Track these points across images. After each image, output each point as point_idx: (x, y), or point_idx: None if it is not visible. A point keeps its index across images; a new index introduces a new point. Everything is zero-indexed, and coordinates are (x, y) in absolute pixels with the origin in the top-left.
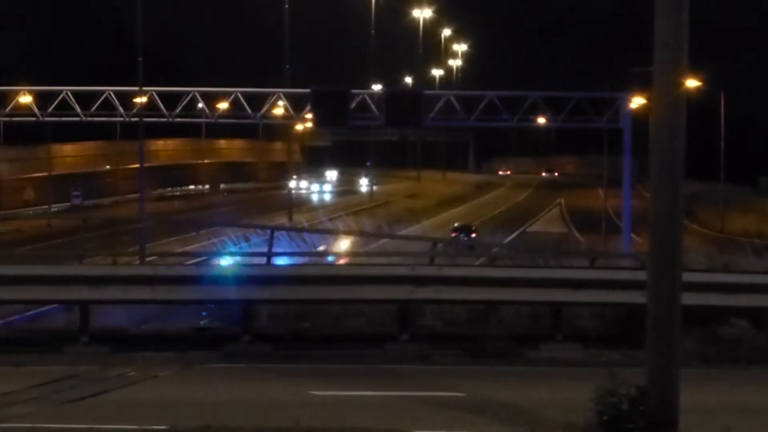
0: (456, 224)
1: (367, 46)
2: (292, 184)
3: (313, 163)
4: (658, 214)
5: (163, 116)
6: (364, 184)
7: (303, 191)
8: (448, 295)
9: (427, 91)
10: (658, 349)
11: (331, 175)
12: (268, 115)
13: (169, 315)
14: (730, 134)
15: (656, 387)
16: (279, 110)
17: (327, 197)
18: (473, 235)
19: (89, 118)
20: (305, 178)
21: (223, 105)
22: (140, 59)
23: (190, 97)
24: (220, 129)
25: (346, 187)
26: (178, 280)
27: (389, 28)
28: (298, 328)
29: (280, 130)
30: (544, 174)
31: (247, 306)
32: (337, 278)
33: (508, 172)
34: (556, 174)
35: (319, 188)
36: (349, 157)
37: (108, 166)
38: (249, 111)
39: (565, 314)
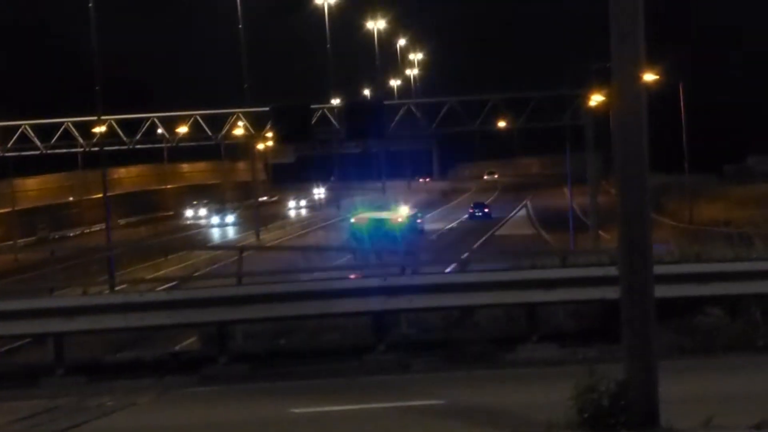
0: (473, 202)
1: (324, 61)
2: (188, 213)
3: (277, 180)
4: (625, 208)
5: (124, 143)
6: (318, 193)
7: (202, 221)
8: (421, 303)
9: (386, 102)
10: (634, 342)
11: (319, 191)
12: (229, 136)
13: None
14: (692, 124)
15: (635, 381)
16: (239, 130)
17: (230, 231)
18: (486, 210)
19: (50, 150)
20: (207, 206)
21: (183, 129)
22: (98, 88)
23: (149, 122)
24: (182, 152)
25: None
26: (150, 307)
27: (345, 42)
28: (274, 346)
29: (242, 149)
30: (485, 177)
31: (221, 327)
32: (309, 294)
33: (496, 176)
34: (496, 176)
35: (220, 220)
36: (314, 172)
37: (71, 198)
38: (209, 133)
39: (540, 314)
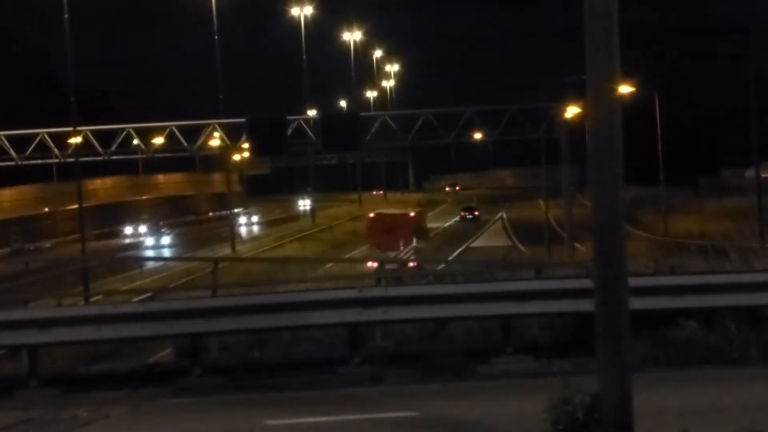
0: (464, 206)
1: (299, 73)
2: (128, 230)
3: (252, 191)
4: (600, 220)
5: (99, 154)
6: (303, 204)
7: (140, 240)
8: (396, 315)
9: (362, 113)
10: (608, 355)
11: (305, 203)
12: (204, 147)
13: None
14: (666, 136)
15: (610, 393)
16: (215, 141)
17: (166, 253)
18: (476, 213)
19: (25, 162)
20: (147, 223)
21: (158, 140)
22: (72, 99)
23: (124, 133)
24: (158, 163)
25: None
26: (125, 318)
27: (321, 54)
28: (249, 358)
29: (218, 160)
30: (447, 189)
31: (196, 339)
32: (283, 305)
33: (457, 188)
34: (458, 188)
35: (155, 241)
36: (290, 184)
37: (47, 209)
38: (185, 144)
39: (515, 327)
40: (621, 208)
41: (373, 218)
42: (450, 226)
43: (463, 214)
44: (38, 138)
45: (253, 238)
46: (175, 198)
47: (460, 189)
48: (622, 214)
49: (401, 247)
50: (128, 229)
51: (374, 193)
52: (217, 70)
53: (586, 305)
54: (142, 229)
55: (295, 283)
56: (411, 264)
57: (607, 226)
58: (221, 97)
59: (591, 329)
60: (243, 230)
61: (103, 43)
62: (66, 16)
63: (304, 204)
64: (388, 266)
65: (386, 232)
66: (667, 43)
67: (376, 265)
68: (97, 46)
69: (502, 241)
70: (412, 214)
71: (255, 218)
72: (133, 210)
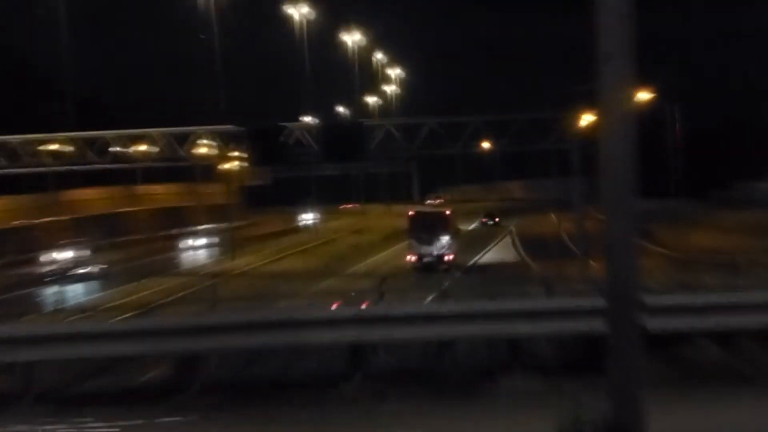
0: (485, 213)
1: (300, 79)
2: (53, 256)
3: (252, 202)
4: (612, 235)
5: (91, 162)
6: (306, 219)
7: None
8: (399, 334)
9: (364, 122)
10: (620, 374)
11: (307, 217)
12: (200, 156)
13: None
14: (685, 148)
15: (621, 414)
16: (212, 150)
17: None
18: (496, 219)
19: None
20: (76, 248)
21: (154, 148)
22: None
23: (120, 143)
24: (155, 173)
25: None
26: (120, 335)
27: (321, 60)
28: (248, 373)
29: (216, 170)
30: (428, 202)
31: (193, 356)
32: (282, 323)
33: (440, 200)
34: (441, 200)
35: (86, 270)
36: (291, 195)
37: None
38: (181, 152)
39: (523, 344)
40: (632, 222)
41: (413, 215)
42: (473, 229)
43: (484, 220)
44: None
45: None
46: (172, 209)
47: (444, 201)
48: (633, 229)
49: (438, 242)
50: (54, 255)
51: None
52: (218, 79)
53: (597, 325)
54: (66, 255)
55: (294, 299)
56: (447, 257)
57: (619, 241)
58: (221, 104)
59: (603, 347)
60: (189, 255)
61: (93, 47)
62: (62, 24)
63: (306, 218)
64: (426, 259)
65: (425, 227)
66: (680, 52)
67: (415, 258)
68: (90, 51)
69: (511, 257)
70: (448, 212)
71: (203, 240)
72: (128, 221)
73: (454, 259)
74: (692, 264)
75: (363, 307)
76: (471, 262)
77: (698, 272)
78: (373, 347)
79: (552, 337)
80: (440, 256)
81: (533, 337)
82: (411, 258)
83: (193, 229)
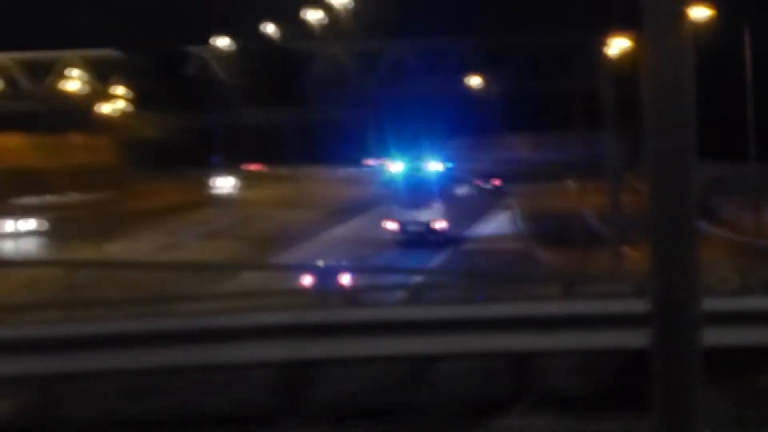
0: (479, 174)
1: None
2: None
3: (135, 162)
4: (661, 214)
5: None
6: (221, 187)
7: None
8: (353, 350)
9: (300, 45)
10: (670, 412)
11: (224, 182)
12: (57, 92)
13: None
14: (760, 88)
15: None
16: (74, 83)
17: None
18: (496, 182)
19: None
20: None
21: None
22: None
23: None
24: None
25: None
26: None
27: None
28: (127, 411)
29: (82, 116)
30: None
31: (45, 385)
32: (183, 335)
33: (373, 163)
34: (375, 163)
35: None
36: (192, 151)
37: None
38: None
39: (532, 365)
40: (693, 196)
41: (393, 172)
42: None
43: (478, 182)
44: None
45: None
46: (18, 171)
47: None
48: (693, 205)
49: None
50: None
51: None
52: None
53: (636, 339)
54: None
55: (198, 302)
56: (439, 225)
57: (673, 222)
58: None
59: (644, 374)
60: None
61: None
62: None
63: (221, 185)
64: (411, 228)
65: (409, 187)
66: None
67: (396, 227)
68: None
69: (511, 242)
70: (436, 168)
71: (29, 223)
72: None
73: (447, 228)
74: None
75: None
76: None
77: None
78: (314, 376)
79: (572, 356)
80: (429, 224)
81: (546, 356)
82: (390, 226)
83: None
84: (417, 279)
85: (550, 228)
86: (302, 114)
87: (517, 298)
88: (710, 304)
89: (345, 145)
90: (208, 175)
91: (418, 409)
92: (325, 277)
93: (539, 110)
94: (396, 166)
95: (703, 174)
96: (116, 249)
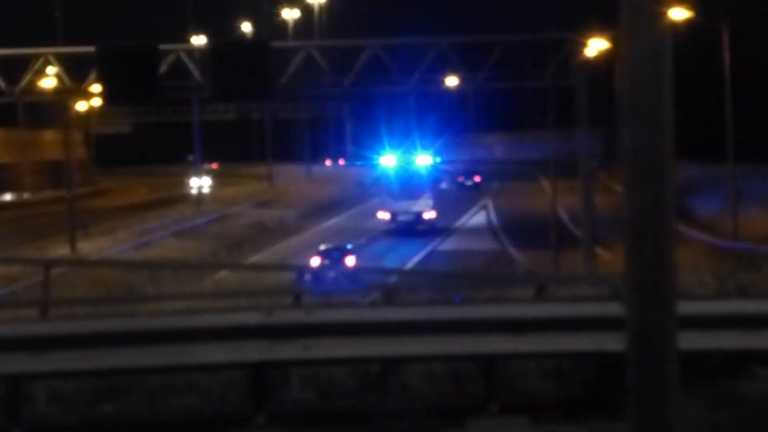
0: (462, 170)
1: None
2: None
3: (104, 159)
4: (637, 214)
5: None
6: (194, 186)
7: None
8: (322, 351)
9: (275, 43)
10: (645, 418)
11: (198, 183)
12: (32, 89)
13: None
14: (739, 88)
15: None
16: (49, 80)
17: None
18: (477, 179)
19: None
20: None
21: None
22: None
23: None
24: None
25: None
26: None
27: None
28: (94, 414)
29: (52, 112)
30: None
31: (12, 384)
32: (151, 334)
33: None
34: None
35: None
36: (163, 148)
37: None
38: (1, 85)
39: (503, 369)
40: (669, 196)
41: (385, 166)
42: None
43: (461, 179)
44: None
45: None
46: None
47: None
48: (670, 205)
49: (417, 197)
50: None
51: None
52: None
53: (610, 342)
54: None
55: (170, 301)
56: (427, 215)
57: (648, 223)
58: (57, 14)
59: (619, 379)
60: None
61: None
62: None
63: (198, 186)
64: (402, 218)
65: (400, 180)
66: None
67: (388, 216)
68: None
69: (485, 243)
70: (426, 163)
71: None
72: None
73: (435, 218)
74: (749, 256)
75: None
76: (431, 247)
77: (759, 269)
78: (283, 377)
79: (544, 360)
80: (419, 214)
81: (517, 359)
82: (383, 216)
83: None
84: (392, 280)
85: (524, 228)
86: (277, 111)
87: (490, 300)
88: (686, 307)
89: (319, 143)
90: (182, 173)
91: (387, 412)
92: (332, 258)
93: (514, 109)
94: (388, 160)
95: (681, 173)
96: (89, 247)
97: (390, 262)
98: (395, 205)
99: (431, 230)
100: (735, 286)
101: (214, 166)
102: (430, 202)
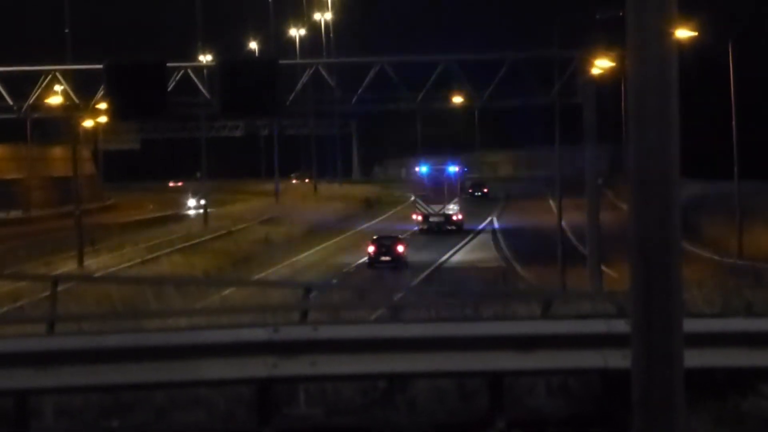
0: (471, 182)
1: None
2: None
3: (112, 175)
4: (644, 232)
5: None
6: (192, 205)
7: None
8: (329, 368)
9: (283, 60)
10: None
11: (192, 203)
12: (41, 106)
13: None
14: (744, 106)
15: None
16: (57, 98)
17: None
18: (485, 190)
19: None
20: None
21: None
22: None
23: None
24: None
25: None
26: None
27: None
28: (102, 428)
29: (60, 128)
30: (294, 181)
31: (21, 399)
32: (158, 350)
33: (306, 181)
34: (307, 180)
35: None
36: (170, 165)
37: None
38: (9, 101)
39: (510, 388)
40: (676, 214)
41: (419, 173)
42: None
43: (470, 190)
44: None
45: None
46: None
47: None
48: (677, 223)
49: (446, 202)
50: None
51: (294, 181)
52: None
53: (617, 359)
54: None
55: (176, 317)
56: (456, 217)
57: (655, 241)
58: (67, 31)
59: (624, 395)
60: None
61: None
62: None
63: (195, 206)
64: (433, 219)
65: (432, 185)
66: None
67: (421, 218)
68: None
69: (491, 260)
70: (457, 168)
71: None
72: None
73: (462, 220)
74: (755, 274)
75: (415, 216)
76: (438, 261)
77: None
78: (290, 393)
79: (551, 376)
80: (449, 216)
81: (524, 376)
82: (416, 218)
83: None
84: (398, 296)
85: (530, 245)
86: (285, 129)
87: (496, 317)
88: (691, 325)
89: (326, 160)
90: (189, 189)
91: (395, 428)
92: (384, 245)
93: (520, 127)
94: (420, 168)
95: (687, 190)
96: (96, 262)
97: (429, 253)
98: (427, 208)
99: (459, 230)
100: (741, 304)
101: (178, 183)
102: (458, 206)
